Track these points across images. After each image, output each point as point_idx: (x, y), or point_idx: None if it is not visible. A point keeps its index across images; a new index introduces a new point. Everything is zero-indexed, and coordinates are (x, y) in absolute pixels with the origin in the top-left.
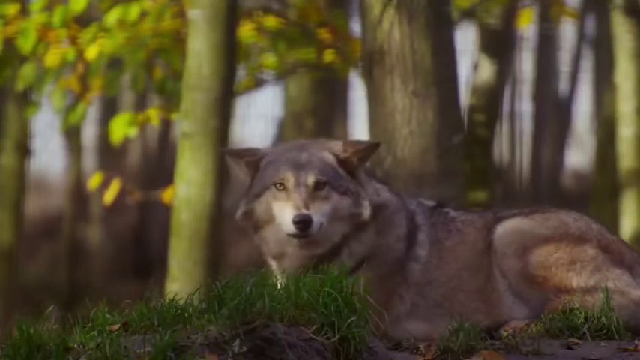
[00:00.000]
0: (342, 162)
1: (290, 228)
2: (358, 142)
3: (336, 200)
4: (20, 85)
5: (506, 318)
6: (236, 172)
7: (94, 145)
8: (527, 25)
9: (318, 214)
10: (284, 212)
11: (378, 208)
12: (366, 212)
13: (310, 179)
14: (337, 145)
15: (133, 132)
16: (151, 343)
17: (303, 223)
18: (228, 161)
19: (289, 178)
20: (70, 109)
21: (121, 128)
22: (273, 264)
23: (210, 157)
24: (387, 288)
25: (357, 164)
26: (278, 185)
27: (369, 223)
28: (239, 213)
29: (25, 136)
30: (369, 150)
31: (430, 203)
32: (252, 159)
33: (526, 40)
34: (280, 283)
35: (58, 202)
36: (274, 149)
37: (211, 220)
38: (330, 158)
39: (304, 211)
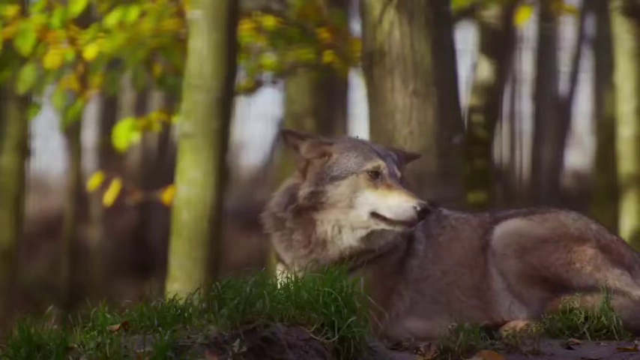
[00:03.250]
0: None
1: (410, 214)
2: (402, 149)
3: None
4: (21, 89)
5: (504, 317)
6: (292, 153)
7: (94, 146)
8: (526, 24)
9: None
10: (393, 200)
11: None
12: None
13: (397, 172)
14: (399, 152)
15: (135, 137)
16: (151, 343)
17: (425, 211)
18: (287, 141)
19: (385, 168)
20: (68, 107)
21: (125, 134)
22: (288, 256)
23: (211, 158)
24: (388, 287)
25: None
26: (371, 173)
27: None
28: (305, 191)
29: (25, 136)
30: (410, 160)
31: None
32: (317, 142)
33: (526, 40)
34: (282, 280)
35: (58, 202)
36: (341, 138)
37: (212, 221)
38: (395, 158)
39: (422, 201)
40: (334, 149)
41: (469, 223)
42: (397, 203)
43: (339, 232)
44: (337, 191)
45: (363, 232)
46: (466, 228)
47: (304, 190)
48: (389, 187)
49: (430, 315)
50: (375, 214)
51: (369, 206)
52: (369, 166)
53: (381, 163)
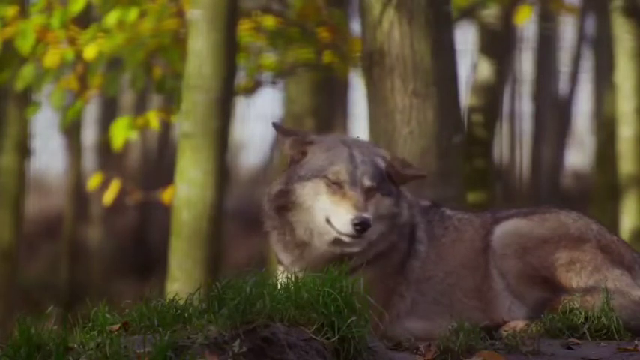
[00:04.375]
0: (388, 172)
1: (348, 228)
2: (407, 166)
3: (379, 202)
4: (19, 86)
5: (504, 317)
6: (281, 147)
7: (94, 145)
8: (526, 24)
9: (372, 216)
10: (340, 210)
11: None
12: (405, 213)
13: (366, 181)
14: (387, 156)
15: (133, 135)
16: (151, 343)
17: (362, 225)
18: (277, 137)
19: (346, 175)
20: (68, 107)
21: (122, 132)
22: (287, 255)
23: (211, 158)
24: (389, 287)
25: (397, 179)
26: (332, 178)
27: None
28: (275, 190)
29: (25, 136)
30: (414, 178)
31: (426, 203)
32: (299, 140)
33: (526, 40)
34: (282, 280)
35: (58, 202)
36: (324, 137)
37: (211, 220)
38: (381, 164)
39: (365, 214)
40: (310, 149)
41: (471, 224)
42: (341, 214)
43: (311, 235)
44: (303, 192)
45: (330, 237)
46: (469, 229)
47: (275, 188)
48: (343, 195)
49: (431, 316)
50: (328, 221)
51: (324, 212)
52: (331, 171)
53: (343, 169)
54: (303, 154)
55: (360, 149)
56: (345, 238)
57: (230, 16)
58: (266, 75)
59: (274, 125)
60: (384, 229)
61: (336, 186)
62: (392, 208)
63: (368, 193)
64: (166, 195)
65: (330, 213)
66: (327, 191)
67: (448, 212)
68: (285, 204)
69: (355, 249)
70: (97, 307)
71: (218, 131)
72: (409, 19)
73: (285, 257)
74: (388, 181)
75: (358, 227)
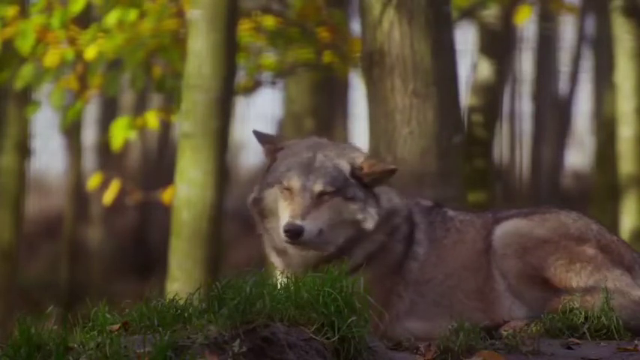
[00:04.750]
0: (355, 175)
1: (282, 235)
2: (375, 164)
3: (340, 206)
4: (19, 85)
5: (505, 318)
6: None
7: (94, 145)
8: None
9: (316, 221)
10: (282, 216)
11: (389, 214)
12: (371, 221)
13: (317, 187)
14: (357, 158)
15: (132, 135)
16: (151, 343)
17: (291, 232)
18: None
19: (296, 181)
20: (68, 107)
21: (121, 132)
22: (276, 260)
23: (211, 158)
24: (386, 287)
25: (370, 182)
26: (285, 184)
27: (380, 227)
28: (251, 197)
29: (25, 136)
30: (384, 174)
31: (428, 203)
32: (272, 147)
33: (526, 40)
34: (281, 282)
35: (58, 202)
36: (295, 142)
37: (211, 220)
38: (345, 167)
39: (297, 222)
40: (279, 155)
41: (473, 225)
42: (281, 220)
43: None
44: (269, 198)
45: None
46: (470, 230)
47: (251, 195)
48: (291, 202)
49: (431, 317)
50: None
51: (281, 218)
52: (285, 177)
53: (294, 176)
54: (274, 160)
55: (325, 153)
56: (284, 245)
57: (230, 16)
58: (266, 75)
59: (255, 132)
60: (352, 233)
61: (287, 192)
62: (356, 213)
63: (319, 198)
64: (166, 195)
65: (282, 218)
66: (281, 197)
67: (450, 213)
68: (260, 211)
69: (321, 252)
70: (97, 307)
71: (218, 131)
72: (409, 19)
73: (276, 262)
74: (357, 185)
75: (288, 234)
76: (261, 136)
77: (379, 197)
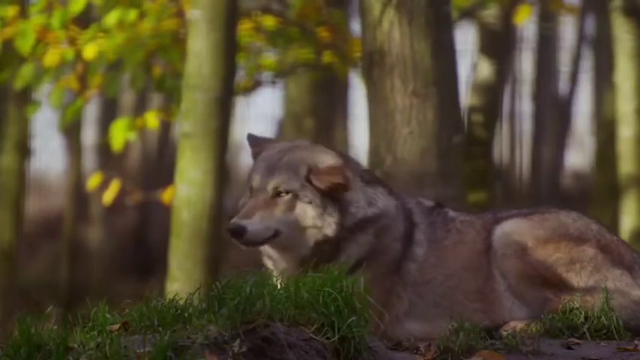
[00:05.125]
0: (310, 181)
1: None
2: (329, 173)
3: (297, 208)
4: (19, 85)
5: (506, 318)
6: None
7: (94, 145)
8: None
9: (263, 220)
10: None
11: (371, 219)
12: (329, 229)
13: (271, 185)
14: (321, 162)
15: (132, 136)
16: (151, 343)
17: (232, 232)
18: None
19: (256, 182)
20: (67, 106)
21: (121, 133)
22: (268, 262)
23: (211, 157)
24: (385, 287)
25: (326, 190)
26: (249, 186)
27: (364, 228)
28: (240, 202)
29: (25, 136)
30: (335, 187)
31: (429, 203)
32: (256, 150)
33: (526, 40)
34: (280, 283)
35: (58, 202)
36: (276, 146)
37: (211, 220)
38: (303, 170)
39: (241, 221)
40: (258, 158)
41: (473, 226)
42: None
43: None
44: (245, 201)
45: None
46: (470, 231)
47: (240, 200)
48: (248, 202)
49: (431, 317)
50: None
51: None
52: (251, 178)
53: (256, 177)
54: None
55: (294, 154)
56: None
57: (230, 16)
58: (266, 75)
59: (248, 136)
60: (321, 237)
61: (250, 192)
62: (314, 219)
63: (274, 198)
64: (166, 195)
65: None
66: (248, 198)
67: (451, 214)
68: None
69: (295, 254)
70: (97, 307)
71: (218, 131)
72: (409, 19)
73: (268, 264)
74: (313, 189)
75: (230, 233)
76: (252, 140)
77: (347, 204)
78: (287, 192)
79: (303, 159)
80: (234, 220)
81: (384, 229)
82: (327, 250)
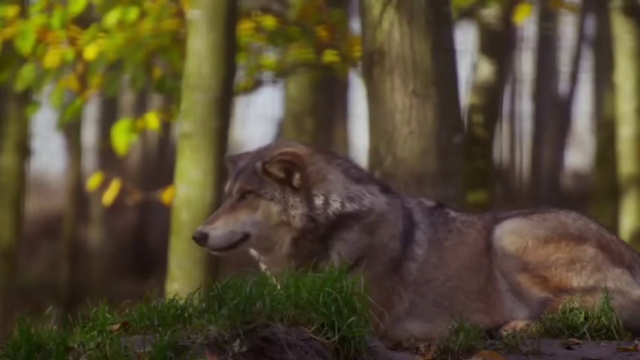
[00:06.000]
0: (267, 172)
1: None
2: (279, 156)
3: (262, 206)
4: (19, 86)
5: (507, 318)
6: None
7: (93, 146)
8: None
9: (226, 225)
10: None
11: (353, 215)
12: (295, 222)
13: (235, 189)
14: (275, 156)
15: (134, 138)
16: (151, 343)
17: (196, 240)
18: None
19: (226, 189)
20: (67, 105)
21: (123, 135)
22: (263, 266)
23: (210, 157)
24: (384, 287)
25: (284, 177)
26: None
27: (346, 224)
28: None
29: (25, 136)
30: (288, 169)
31: (430, 203)
32: (231, 167)
33: (526, 40)
34: (278, 284)
35: (58, 202)
36: (248, 153)
37: None
38: (258, 166)
39: (203, 229)
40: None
41: (474, 226)
42: None
43: None
44: None
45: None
46: (472, 231)
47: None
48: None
49: (431, 317)
50: None
51: None
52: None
53: (229, 184)
54: None
55: (255, 156)
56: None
57: (230, 15)
58: (266, 74)
59: (225, 158)
60: (295, 234)
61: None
62: (279, 215)
63: (240, 201)
64: (166, 195)
65: None
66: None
67: (452, 214)
68: None
69: (273, 256)
70: (97, 307)
71: (218, 131)
72: (409, 19)
73: (262, 266)
74: (272, 183)
75: (194, 240)
76: (229, 159)
77: (312, 196)
78: (249, 192)
79: (262, 156)
80: (198, 228)
81: (373, 226)
82: (311, 246)
